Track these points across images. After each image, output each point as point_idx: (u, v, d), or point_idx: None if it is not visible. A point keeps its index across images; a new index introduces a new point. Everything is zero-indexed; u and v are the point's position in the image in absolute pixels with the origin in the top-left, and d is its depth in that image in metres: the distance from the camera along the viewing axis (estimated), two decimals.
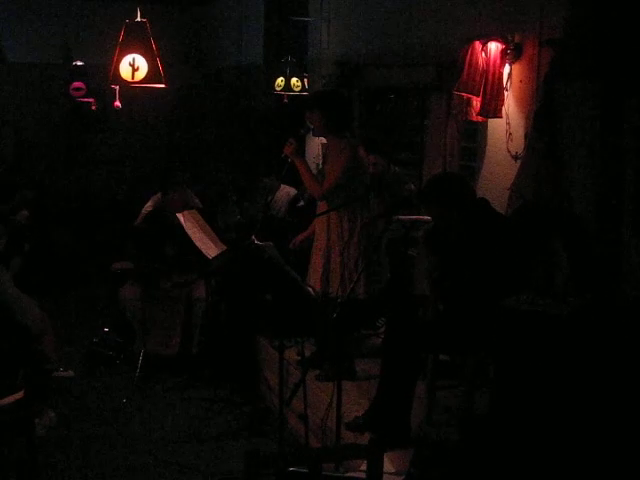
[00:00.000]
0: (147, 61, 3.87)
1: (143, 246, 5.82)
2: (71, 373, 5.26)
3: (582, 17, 3.98)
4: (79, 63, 8.64)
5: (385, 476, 2.51)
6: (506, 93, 4.67)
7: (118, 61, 3.87)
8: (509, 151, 4.71)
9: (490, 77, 4.62)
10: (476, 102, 4.74)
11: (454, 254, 3.86)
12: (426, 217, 4.67)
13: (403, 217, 5.14)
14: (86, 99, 8.07)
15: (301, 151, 4.52)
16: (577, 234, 3.91)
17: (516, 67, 4.64)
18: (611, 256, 3.89)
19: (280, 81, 7.16)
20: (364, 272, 4.28)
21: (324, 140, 4.76)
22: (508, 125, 4.69)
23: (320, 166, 4.62)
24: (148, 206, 6.03)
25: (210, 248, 4.77)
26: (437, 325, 3.80)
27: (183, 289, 5.62)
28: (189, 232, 4.81)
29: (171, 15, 10.15)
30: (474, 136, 5.16)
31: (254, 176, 6.87)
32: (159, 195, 5.96)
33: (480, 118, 4.79)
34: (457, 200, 3.77)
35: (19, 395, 3.87)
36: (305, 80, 7.24)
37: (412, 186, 5.40)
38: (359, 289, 4.32)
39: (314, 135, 4.70)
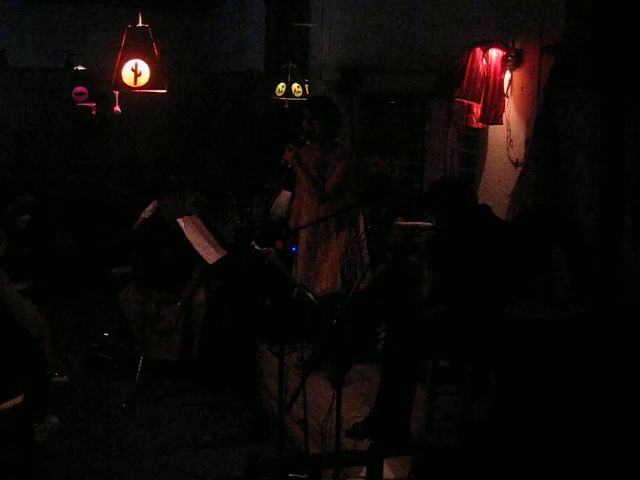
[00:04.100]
0: (149, 66, 3.88)
1: (140, 250, 5.82)
2: (65, 378, 5.25)
3: (582, 24, 3.99)
4: (80, 68, 8.66)
5: None
6: (507, 100, 4.67)
7: (120, 66, 3.87)
8: (510, 158, 4.72)
9: (491, 84, 4.62)
10: (477, 109, 4.74)
11: (456, 259, 3.86)
12: (427, 223, 4.68)
13: (403, 222, 5.15)
14: (88, 104, 8.08)
15: (301, 157, 4.54)
16: (577, 241, 3.91)
17: (517, 74, 4.64)
18: (611, 263, 3.89)
19: (281, 87, 7.16)
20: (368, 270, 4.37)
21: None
22: (509, 132, 4.69)
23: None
24: (148, 211, 6.03)
25: (210, 253, 4.78)
26: (437, 331, 3.80)
27: (183, 293, 5.62)
28: (189, 237, 4.81)
29: (173, 21, 10.17)
30: (474, 142, 5.16)
31: (255, 181, 6.88)
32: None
33: (481, 125, 4.79)
34: (458, 205, 3.78)
35: (18, 400, 3.87)
36: (306, 86, 7.25)
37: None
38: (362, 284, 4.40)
39: (312, 141, 4.72)
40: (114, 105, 4.40)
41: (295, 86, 7.12)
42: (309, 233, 4.61)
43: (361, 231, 4.59)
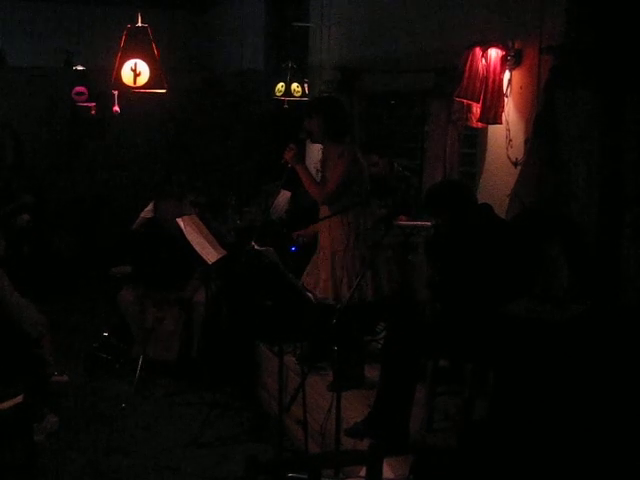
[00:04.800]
0: (149, 66, 3.88)
1: (140, 250, 5.82)
2: (66, 378, 5.25)
3: (582, 24, 3.99)
4: (80, 67, 8.67)
5: None
6: (506, 99, 4.68)
7: (120, 66, 3.87)
8: (509, 157, 4.72)
9: (490, 83, 4.63)
10: (476, 108, 4.75)
11: (456, 259, 3.87)
12: (426, 222, 4.68)
13: (403, 222, 5.15)
14: (88, 104, 8.08)
15: (301, 157, 4.52)
16: (577, 240, 3.92)
17: (516, 73, 4.65)
18: (610, 262, 3.90)
19: (280, 86, 7.17)
20: (370, 274, 4.31)
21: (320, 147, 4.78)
22: (508, 131, 4.69)
23: (319, 173, 4.62)
24: (147, 211, 6.03)
25: (210, 253, 4.77)
26: (437, 330, 3.80)
27: (183, 293, 5.62)
28: (189, 237, 4.81)
29: (172, 20, 10.17)
30: (474, 142, 5.17)
31: (254, 181, 6.88)
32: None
33: (480, 124, 4.80)
34: (459, 206, 3.79)
35: (18, 399, 3.87)
36: (305, 85, 7.26)
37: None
38: (367, 292, 4.34)
39: (312, 142, 4.70)
40: (113, 105, 4.41)
41: (294, 86, 7.12)
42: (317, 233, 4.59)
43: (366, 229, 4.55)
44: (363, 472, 3.06)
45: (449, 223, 3.83)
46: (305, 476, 2.32)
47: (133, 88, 3.91)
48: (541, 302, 3.61)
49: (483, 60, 4.62)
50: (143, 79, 3.89)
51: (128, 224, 6.13)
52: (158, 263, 5.64)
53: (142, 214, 6.03)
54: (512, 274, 3.68)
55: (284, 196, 6.52)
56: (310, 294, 3.85)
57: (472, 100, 4.69)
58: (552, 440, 3.14)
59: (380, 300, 4.42)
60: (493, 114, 4.66)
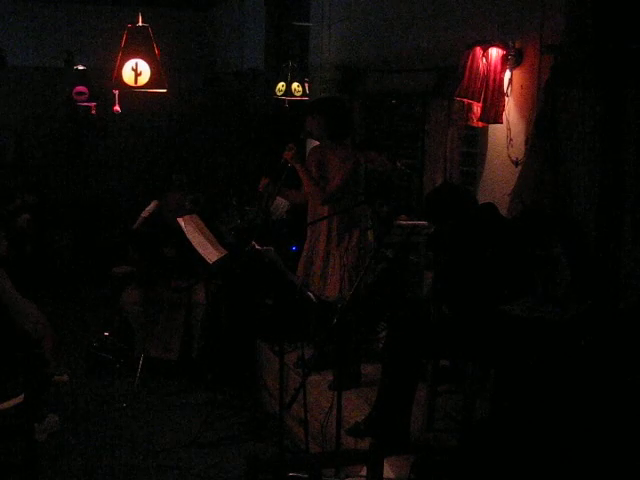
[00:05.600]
0: (150, 66, 3.89)
1: (142, 249, 5.82)
2: (66, 378, 5.24)
3: (582, 23, 3.99)
4: (80, 67, 8.68)
5: None
6: (507, 99, 4.67)
7: (120, 66, 3.88)
8: (510, 157, 4.72)
9: (491, 83, 4.62)
10: (477, 108, 4.74)
11: (458, 259, 3.87)
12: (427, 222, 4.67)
13: (404, 222, 5.15)
14: (88, 103, 8.09)
15: (301, 156, 4.53)
16: (577, 240, 3.91)
17: (517, 73, 4.64)
18: (611, 262, 3.89)
19: (281, 86, 7.17)
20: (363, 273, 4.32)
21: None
22: (509, 131, 4.69)
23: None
24: (147, 210, 6.04)
25: (211, 253, 4.77)
26: (438, 330, 3.80)
27: (183, 293, 5.62)
28: (189, 237, 4.81)
29: (173, 20, 10.18)
30: (474, 142, 5.16)
31: (256, 181, 6.87)
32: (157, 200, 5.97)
33: (481, 124, 4.79)
34: (460, 210, 3.79)
35: (19, 399, 3.87)
36: (306, 85, 7.26)
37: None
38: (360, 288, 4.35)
39: (312, 139, 4.70)
40: (114, 105, 4.40)
41: (295, 85, 7.13)
42: (310, 232, 4.60)
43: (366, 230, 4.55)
44: (364, 472, 3.06)
45: (450, 227, 3.83)
46: (306, 476, 2.32)
47: (134, 88, 3.91)
48: (541, 302, 3.61)
49: (483, 59, 4.62)
50: (144, 79, 3.89)
51: (128, 224, 6.15)
52: (162, 261, 5.65)
53: (142, 214, 6.04)
54: (513, 274, 3.68)
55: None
56: (310, 293, 3.86)
57: (472, 99, 4.69)
58: (553, 440, 3.14)
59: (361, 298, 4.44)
60: (494, 113, 4.65)
